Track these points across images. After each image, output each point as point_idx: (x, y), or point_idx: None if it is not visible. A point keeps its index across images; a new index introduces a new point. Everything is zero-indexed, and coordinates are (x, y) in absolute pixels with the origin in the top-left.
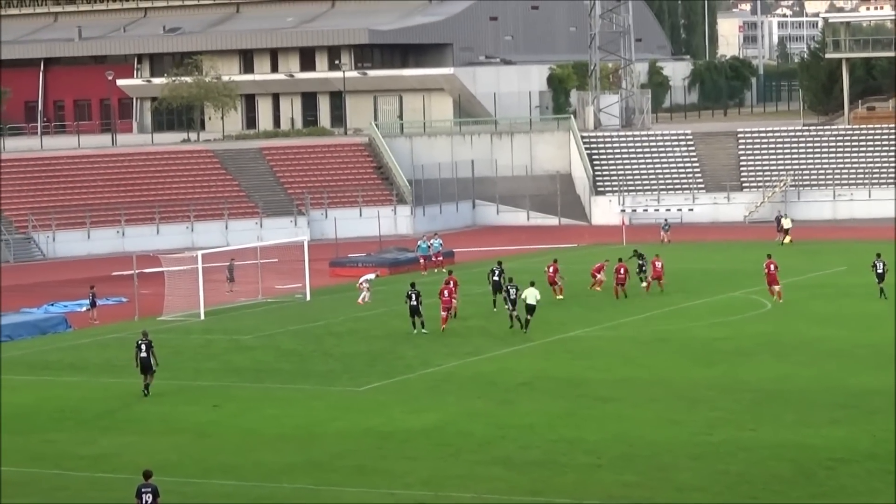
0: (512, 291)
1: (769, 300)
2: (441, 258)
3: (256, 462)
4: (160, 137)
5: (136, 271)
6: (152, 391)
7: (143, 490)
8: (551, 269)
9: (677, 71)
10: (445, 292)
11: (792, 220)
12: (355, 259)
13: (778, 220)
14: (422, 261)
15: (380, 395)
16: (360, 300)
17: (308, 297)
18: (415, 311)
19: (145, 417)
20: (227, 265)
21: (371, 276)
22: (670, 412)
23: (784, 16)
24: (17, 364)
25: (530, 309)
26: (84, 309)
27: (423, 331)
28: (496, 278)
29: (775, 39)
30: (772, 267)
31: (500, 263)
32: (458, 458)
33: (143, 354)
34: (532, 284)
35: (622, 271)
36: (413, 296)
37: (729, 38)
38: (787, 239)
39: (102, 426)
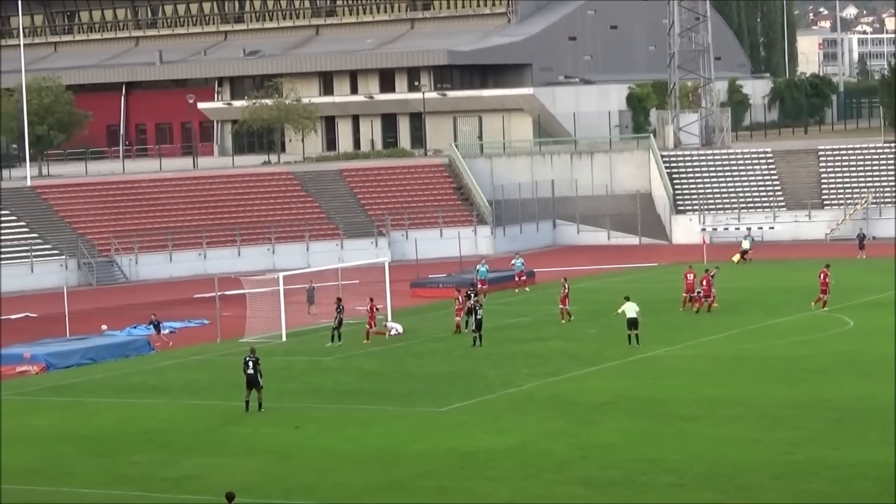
0: (479, 312)
1: (848, 317)
2: (524, 277)
3: (338, 483)
4: (241, 160)
5: (218, 293)
6: (253, 408)
7: None
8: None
9: (757, 89)
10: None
11: (752, 240)
12: (436, 280)
13: (861, 237)
14: (479, 285)
15: (461, 415)
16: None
17: (390, 318)
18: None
19: (228, 439)
20: (307, 288)
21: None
22: (752, 431)
23: (864, 32)
24: (101, 386)
25: (633, 323)
26: (151, 333)
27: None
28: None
29: (855, 56)
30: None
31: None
32: (540, 479)
33: (251, 371)
34: (627, 299)
35: (704, 283)
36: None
37: (809, 55)
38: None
39: (185, 448)
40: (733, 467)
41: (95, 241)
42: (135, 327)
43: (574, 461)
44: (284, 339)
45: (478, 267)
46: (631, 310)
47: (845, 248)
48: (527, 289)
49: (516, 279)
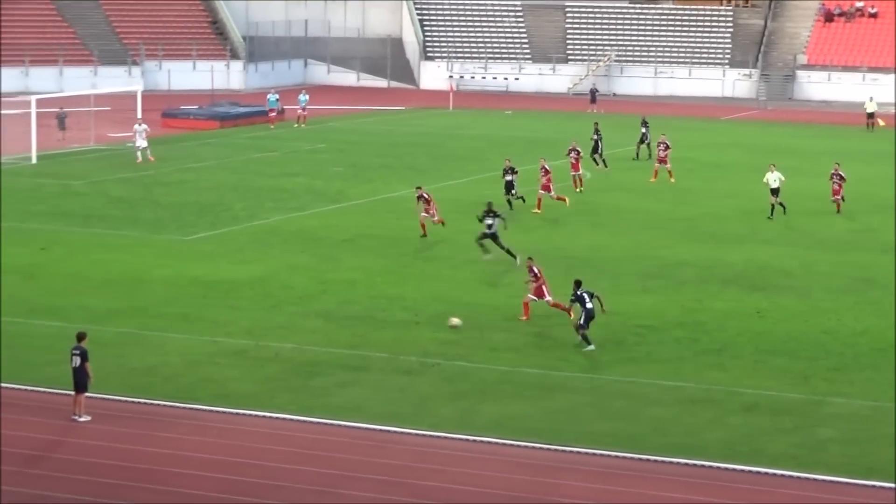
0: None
1: (585, 169)
2: (276, 113)
3: (82, 305)
4: None
5: None
6: None
7: (73, 352)
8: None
9: None
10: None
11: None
12: (187, 111)
13: (592, 93)
14: (269, 113)
15: (206, 245)
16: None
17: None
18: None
19: None
20: (57, 113)
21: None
22: (487, 275)
23: None
24: None
25: (775, 192)
26: None
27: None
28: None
29: None
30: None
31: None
32: (280, 310)
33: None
34: (774, 167)
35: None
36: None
37: None
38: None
39: None
40: (468, 308)
41: None
42: None
43: (315, 295)
44: (35, 161)
45: (268, 96)
46: (774, 179)
47: (582, 102)
48: (302, 124)
49: (269, 114)
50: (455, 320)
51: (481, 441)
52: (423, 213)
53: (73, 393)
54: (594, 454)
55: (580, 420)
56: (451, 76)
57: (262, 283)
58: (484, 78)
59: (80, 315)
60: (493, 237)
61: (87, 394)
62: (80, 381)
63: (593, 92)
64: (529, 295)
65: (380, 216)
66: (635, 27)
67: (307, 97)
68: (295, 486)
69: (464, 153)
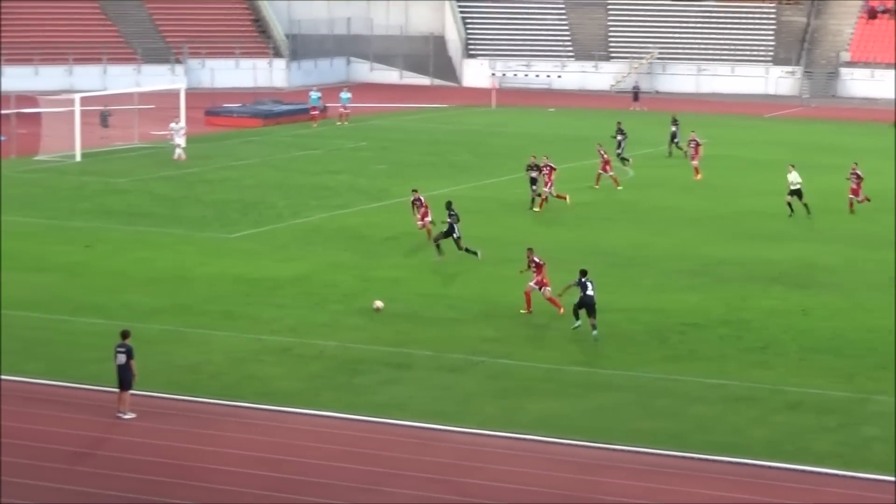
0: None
1: (632, 169)
2: (318, 112)
3: (126, 303)
4: None
5: (15, 111)
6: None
7: (118, 349)
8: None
9: None
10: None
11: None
12: (230, 109)
13: (635, 90)
14: (311, 111)
15: (250, 242)
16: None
17: (183, 144)
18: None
19: (18, 255)
20: (101, 111)
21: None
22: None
23: None
24: None
25: (796, 192)
26: None
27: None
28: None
29: None
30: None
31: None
32: (324, 308)
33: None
34: (793, 167)
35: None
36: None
37: None
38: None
39: None
40: (512, 307)
41: None
42: None
43: (358, 293)
44: (79, 159)
45: (310, 94)
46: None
47: (624, 99)
48: (345, 122)
49: (311, 112)
50: (378, 303)
51: (525, 439)
52: (419, 221)
53: (117, 390)
54: (638, 452)
55: (624, 418)
56: (493, 74)
57: (305, 281)
58: (526, 76)
59: (124, 313)
60: (455, 238)
61: (131, 391)
62: (125, 378)
63: (636, 89)
64: (531, 284)
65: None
66: (678, 24)
67: (349, 95)
68: (339, 484)
69: (506, 151)
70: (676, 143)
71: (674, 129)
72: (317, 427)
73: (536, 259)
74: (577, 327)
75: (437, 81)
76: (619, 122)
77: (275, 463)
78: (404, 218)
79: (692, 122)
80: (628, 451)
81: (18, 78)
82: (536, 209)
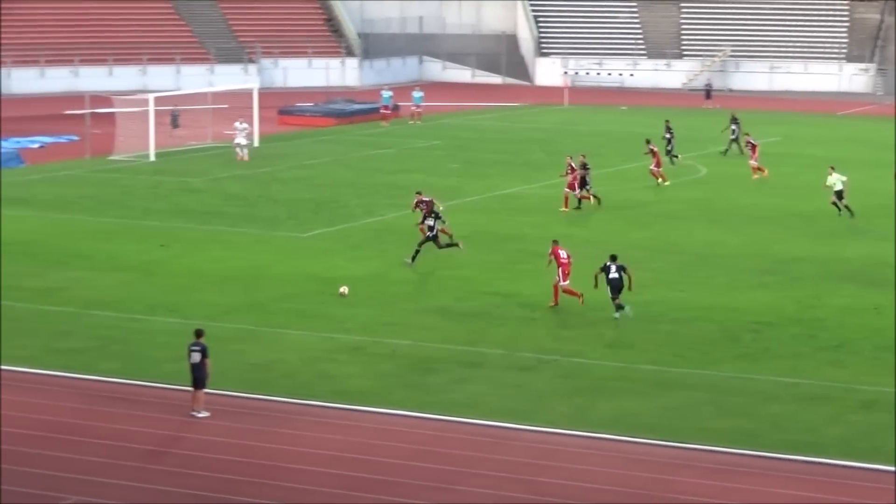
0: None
1: (701, 165)
2: (389, 110)
3: (200, 302)
4: None
5: (89, 111)
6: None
7: (192, 348)
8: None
9: None
10: None
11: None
12: (303, 108)
13: (707, 88)
14: (382, 110)
15: (323, 241)
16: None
17: (256, 144)
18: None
19: (93, 254)
20: (171, 111)
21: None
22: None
23: None
24: None
25: (839, 194)
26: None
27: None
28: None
29: None
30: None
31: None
32: (396, 307)
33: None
34: (833, 169)
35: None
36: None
37: None
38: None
39: (51, 260)
40: (584, 304)
41: None
42: (5, 140)
43: (430, 291)
44: (153, 158)
45: (381, 93)
46: (837, 181)
47: (697, 98)
48: (417, 121)
49: (382, 111)
50: (343, 288)
51: (598, 437)
52: (421, 224)
53: (191, 389)
54: (711, 451)
55: (697, 416)
56: (566, 72)
57: (378, 280)
58: (599, 74)
59: (199, 311)
60: (434, 239)
61: (205, 390)
62: (200, 377)
63: (708, 87)
64: (557, 276)
65: (495, 213)
66: (750, 22)
67: (422, 94)
68: (411, 483)
69: (579, 149)
70: (738, 140)
71: (734, 127)
72: (389, 426)
73: (562, 253)
74: (623, 314)
75: (510, 80)
76: (667, 121)
77: (348, 462)
78: (476, 217)
79: (765, 120)
80: (702, 450)
81: (93, 78)
82: (563, 209)
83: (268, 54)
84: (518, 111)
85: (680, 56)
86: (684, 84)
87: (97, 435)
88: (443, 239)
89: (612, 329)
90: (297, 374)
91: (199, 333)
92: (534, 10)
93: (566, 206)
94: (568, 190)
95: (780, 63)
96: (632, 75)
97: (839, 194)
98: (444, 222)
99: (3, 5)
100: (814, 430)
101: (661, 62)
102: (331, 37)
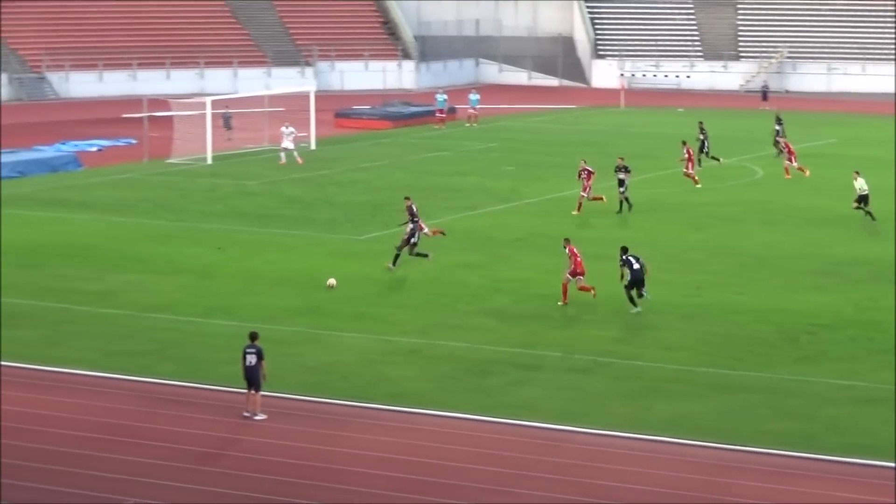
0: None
1: (757, 167)
2: (445, 114)
3: (257, 304)
4: None
5: (147, 114)
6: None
7: (247, 351)
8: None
9: None
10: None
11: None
12: (360, 111)
13: (764, 90)
14: (437, 114)
15: (380, 244)
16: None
17: (313, 147)
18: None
19: (151, 257)
20: (223, 114)
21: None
22: (660, 273)
23: None
24: (28, 200)
25: (863, 199)
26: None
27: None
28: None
29: None
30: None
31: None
32: (454, 309)
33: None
34: (858, 174)
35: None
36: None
37: None
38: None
39: (109, 263)
40: (641, 306)
41: (27, 57)
42: (63, 143)
43: (487, 294)
44: (210, 161)
45: (436, 96)
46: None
47: (754, 99)
48: (474, 123)
49: (437, 114)
50: (331, 280)
51: (655, 440)
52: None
53: (246, 391)
54: (768, 453)
55: (754, 419)
56: (622, 74)
57: (435, 283)
58: (655, 76)
59: (256, 314)
60: (412, 243)
61: (261, 392)
62: (255, 379)
63: (765, 89)
64: (566, 274)
65: (551, 215)
66: (808, 23)
67: (478, 97)
68: (468, 486)
69: (635, 151)
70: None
71: (778, 128)
72: (446, 428)
73: (573, 250)
74: (637, 312)
75: (566, 82)
76: (700, 123)
77: (405, 464)
78: (533, 219)
79: (822, 122)
80: (758, 453)
81: (151, 82)
82: (574, 212)
83: (324, 57)
84: (574, 113)
85: (737, 58)
86: (741, 86)
87: (155, 437)
88: (414, 248)
89: (669, 331)
90: (354, 377)
91: (253, 336)
92: (590, 12)
93: (579, 210)
94: (583, 194)
95: (837, 64)
96: (688, 77)
97: (863, 199)
98: (422, 231)
99: (62, 10)
100: (870, 432)
101: (717, 64)
102: (387, 39)
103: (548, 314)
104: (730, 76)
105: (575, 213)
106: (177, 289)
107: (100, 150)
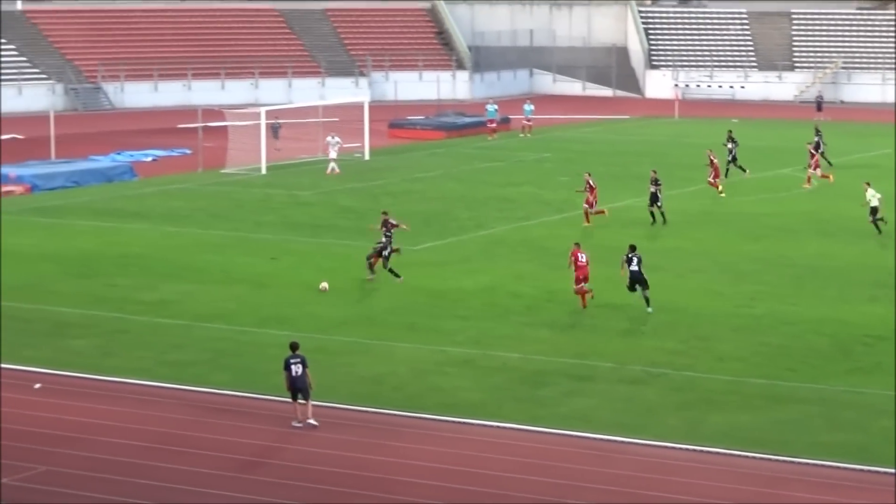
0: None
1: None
2: (496, 124)
3: (311, 314)
4: None
5: (202, 124)
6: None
7: (291, 361)
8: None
9: None
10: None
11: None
12: (414, 121)
13: (818, 100)
14: (488, 124)
15: (433, 254)
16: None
17: (367, 157)
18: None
19: (206, 267)
20: (272, 124)
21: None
22: (714, 284)
23: None
24: (84, 209)
25: (873, 210)
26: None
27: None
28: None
29: None
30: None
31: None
32: (507, 320)
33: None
34: (869, 185)
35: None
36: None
37: None
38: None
39: (164, 273)
40: (694, 317)
41: (83, 68)
42: (119, 153)
43: (541, 304)
44: (264, 171)
45: (487, 107)
46: (874, 198)
47: (808, 110)
48: (528, 134)
49: (488, 125)
50: (324, 284)
51: (708, 451)
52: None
53: (292, 401)
54: (822, 465)
55: (808, 430)
56: (676, 85)
57: (488, 293)
58: (709, 86)
59: (310, 324)
60: (384, 256)
61: (312, 402)
62: (304, 388)
63: (819, 99)
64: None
65: (605, 226)
66: (862, 33)
67: (532, 107)
68: (521, 496)
69: (689, 162)
70: (822, 152)
71: (817, 139)
72: (499, 439)
73: (581, 255)
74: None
75: (620, 93)
76: (729, 131)
77: (457, 475)
78: (587, 229)
79: (876, 132)
80: (813, 465)
81: (205, 92)
82: (585, 224)
83: (378, 67)
84: (628, 124)
85: (791, 68)
86: (795, 96)
87: (207, 446)
88: (387, 264)
89: (722, 342)
90: (408, 387)
91: (294, 346)
92: (644, 23)
93: (588, 221)
94: (586, 206)
95: (892, 75)
96: (743, 87)
97: (874, 210)
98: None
99: (117, 21)
100: None
101: (772, 74)
102: (441, 50)
103: (601, 325)
104: (784, 86)
105: (585, 224)
106: (231, 298)
107: (155, 160)
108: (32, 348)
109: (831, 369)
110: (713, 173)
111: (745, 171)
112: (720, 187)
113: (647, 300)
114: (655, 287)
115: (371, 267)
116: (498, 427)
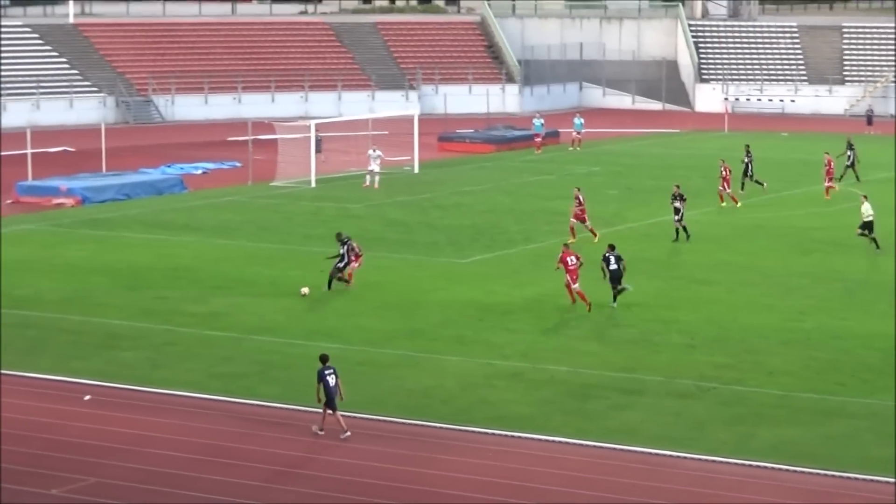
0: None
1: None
2: (542, 138)
3: (359, 327)
4: (278, 8)
5: (251, 137)
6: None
7: (325, 373)
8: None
9: None
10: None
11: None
12: (463, 134)
13: (869, 114)
14: (535, 138)
15: (482, 267)
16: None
17: (416, 170)
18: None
19: (255, 279)
20: (316, 138)
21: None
22: (764, 297)
23: None
24: (134, 222)
25: (868, 226)
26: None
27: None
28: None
29: None
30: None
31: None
32: (556, 333)
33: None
34: (865, 198)
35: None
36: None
37: None
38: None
39: (213, 286)
40: (744, 331)
41: (134, 81)
42: (169, 166)
43: (589, 318)
44: (314, 184)
45: (533, 121)
46: (866, 212)
47: (859, 123)
48: (577, 147)
49: (535, 139)
50: (304, 289)
51: (758, 466)
52: (354, 264)
53: (322, 411)
54: (873, 480)
55: (859, 445)
56: (726, 98)
57: (537, 306)
58: (759, 100)
59: (358, 337)
60: (339, 266)
61: (340, 412)
62: (334, 398)
63: (869, 113)
64: (567, 279)
65: (655, 239)
66: None
67: (582, 120)
68: None
69: (738, 176)
70: (853, 165)
71: (849, 153)
72: (547, 452)
73: (574, 256)
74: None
75: (669, 106)
76: (747, 145)
77: (505, 488)
78: (636, 243)
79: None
80: (862, 480)
81: (255, 105)
82: (571, 240)
83: (428, 81)
84: (678, 137)
85: (842, 82)
86: (846, 110)
87: (254, 459)
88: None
89: (772, 356)
90: (456, 400)
91: (325, 358)
92: (694, 36)
93: (573, 237)
94: (574, 220)
95: None
96: (793, 101)
97: (868, 225)
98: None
99: (168, 34)
100: None
101: (822, 88)
102: (491, 63)
103: (649, 338)
104: (834, 100)
105: (571, 240)
106: (280, 311)
107: (205, 172)
108: (82, 360)
109: (881, 384)
110: (724, 183)
111: (762, 184)
112: (721, 198)
113: (616, 297)
114: (705, 301)
115: (330, 282)
116: (546, 440)
